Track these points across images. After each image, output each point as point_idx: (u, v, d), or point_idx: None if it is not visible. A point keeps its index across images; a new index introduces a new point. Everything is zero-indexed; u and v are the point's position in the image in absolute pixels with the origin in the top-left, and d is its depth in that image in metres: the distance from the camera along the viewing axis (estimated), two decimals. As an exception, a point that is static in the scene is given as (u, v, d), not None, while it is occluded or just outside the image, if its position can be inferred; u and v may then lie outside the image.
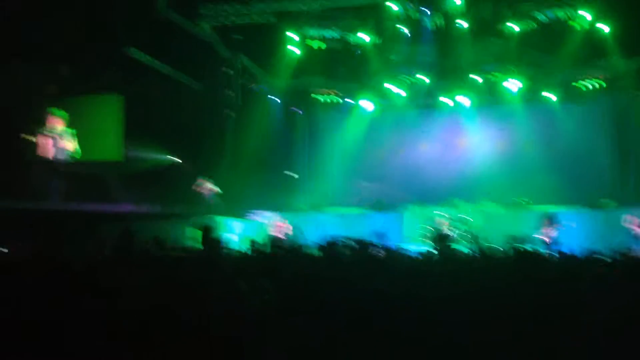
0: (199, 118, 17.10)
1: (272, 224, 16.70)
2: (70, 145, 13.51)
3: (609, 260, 6.74)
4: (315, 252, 7.84)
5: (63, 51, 14.66)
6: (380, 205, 18.77)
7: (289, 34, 17.99)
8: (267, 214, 17.26)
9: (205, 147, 17.18)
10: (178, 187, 15.92)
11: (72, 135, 13.52)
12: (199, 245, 6.39)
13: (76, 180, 14.73)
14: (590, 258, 5.03)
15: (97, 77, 15.61)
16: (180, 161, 16.70)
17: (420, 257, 6.79)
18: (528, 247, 7.25)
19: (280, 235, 15.78)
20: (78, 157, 13.63)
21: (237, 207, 17.30)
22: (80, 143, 14.91)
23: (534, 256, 6.37)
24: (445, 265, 5.58)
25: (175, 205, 15.14)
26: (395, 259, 7.07)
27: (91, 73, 15.53)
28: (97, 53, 14.91)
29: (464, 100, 19.75)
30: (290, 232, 16.13)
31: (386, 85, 19.68)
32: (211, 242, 6.02)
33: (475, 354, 2.73)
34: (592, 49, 17.34)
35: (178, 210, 14.92)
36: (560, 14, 17.12)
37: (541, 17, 17.27)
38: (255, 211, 17.70)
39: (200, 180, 16.50)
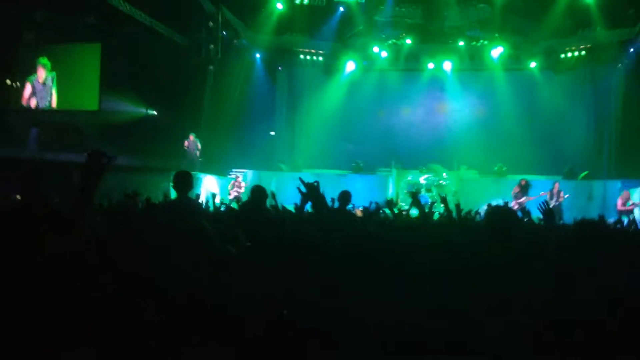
0: (179, 71, 16.85)
1: (233, 183, 16.67)
2: (50, 93, 13.34)
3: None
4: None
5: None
6: (360, 167, 18.84)
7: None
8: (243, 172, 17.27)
9: (185, 102, 17.00)
10: (156, 141, 15.80)
11: (52, 83, 13.31)
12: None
13: (54, 130, 14.55)
14: (553, 225, 5.13)
15: (76, 24, 15.28)
16: (156, 114, 16.51)
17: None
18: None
19: (237, 195, 15.89)
20: (57, 106, 13.44)
21: (217, 165, 17.28)
22: (58, 92, 14.70)
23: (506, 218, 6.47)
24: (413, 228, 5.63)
25: (154, 159, 15.05)
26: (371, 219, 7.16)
27: (70, 20, 15.20)
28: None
29: (446, 65, 19.72)
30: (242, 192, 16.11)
31: (369, 45, 19.57)
32: (187, 188, 5.90)
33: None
34: (575, 19, 17.36)
35: (157, 164, 14.83)
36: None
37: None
38: (235, 170, 17.69)
39: (188, 136, 16.42)
